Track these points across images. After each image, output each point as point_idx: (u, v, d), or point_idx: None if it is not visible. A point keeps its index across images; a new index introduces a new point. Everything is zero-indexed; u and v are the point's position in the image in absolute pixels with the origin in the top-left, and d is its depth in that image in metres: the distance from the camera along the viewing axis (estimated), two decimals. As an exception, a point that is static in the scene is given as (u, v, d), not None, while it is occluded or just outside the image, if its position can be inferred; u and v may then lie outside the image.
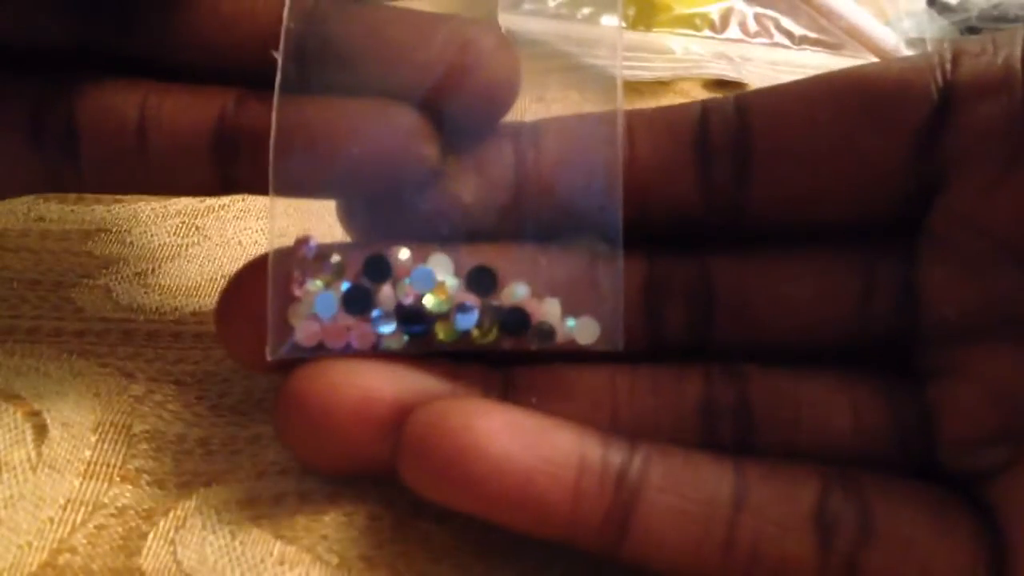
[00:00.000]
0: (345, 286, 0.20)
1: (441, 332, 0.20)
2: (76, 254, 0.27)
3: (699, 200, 0.21)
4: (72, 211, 0.28)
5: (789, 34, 0.39)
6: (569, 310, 0.20)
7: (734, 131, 0.21)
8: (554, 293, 0.20)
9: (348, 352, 0.20)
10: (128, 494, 0.21)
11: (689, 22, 0.38)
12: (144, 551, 0.20)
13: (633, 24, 0.37)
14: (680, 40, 0.38)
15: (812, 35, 0.39)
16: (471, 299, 0.20)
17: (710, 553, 0.18)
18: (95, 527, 0.20)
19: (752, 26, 0.39)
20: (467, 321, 0.20)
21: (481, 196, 0.21)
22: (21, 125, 0.21)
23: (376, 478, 0.21)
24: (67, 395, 0.23)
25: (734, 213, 0.21)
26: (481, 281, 0.20)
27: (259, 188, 0.21)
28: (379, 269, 0.20)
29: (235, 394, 0.23)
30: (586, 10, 0.34)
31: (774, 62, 0.38)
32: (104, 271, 0.26)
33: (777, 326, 0.21)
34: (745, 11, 0.39)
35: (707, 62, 0.37)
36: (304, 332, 0.20)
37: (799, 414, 0.20)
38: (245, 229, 0.28)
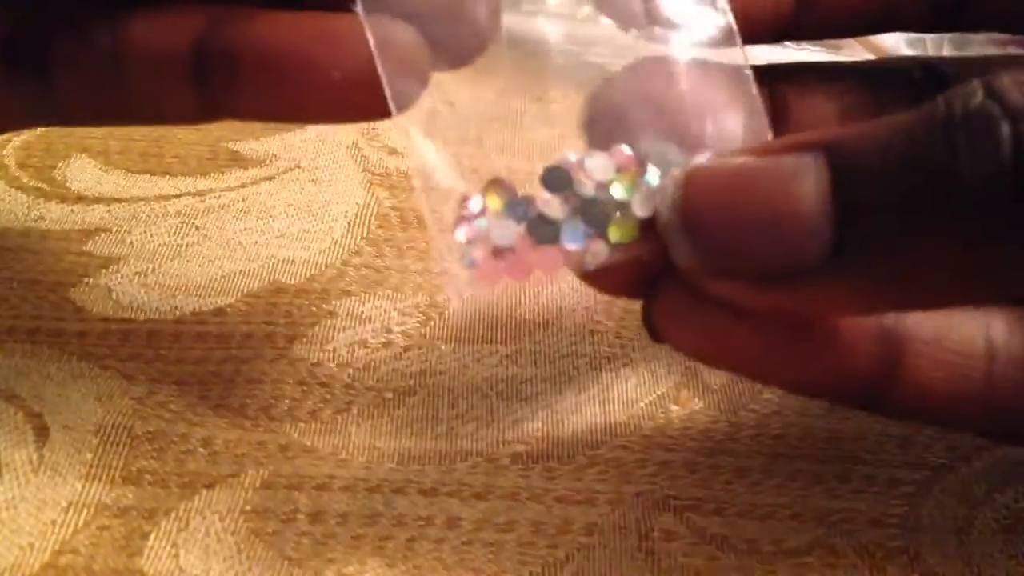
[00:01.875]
0: (508, 207, 0.19)
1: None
2: (76, 254, 0.27)
3: None
4: (72, 211, 0.28)
5: (788, 33, 0.39)
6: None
7: None
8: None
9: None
10: (131, 495, 0.21)
11: (688, 20, 0.38)
12: (146, 552, 0.20)
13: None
14: (679, 38, 0.38)
15: (811, 34, 0.39)
16: (655, 173, 0.19)
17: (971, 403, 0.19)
18: (98, 528, 0.20)
19: (751, 25, 0.39)
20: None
21: None
22: None
23: (387, 491, 0.21)
24: (68, 397, 0.23)
25: None
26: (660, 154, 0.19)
27: (241, 112, 0.21)
28: (559, 178, 0.19)
29: (238, 396, 0.23)
30: (586, 10, 0.34)
31: (773, 61, 0.38)
32: (104, 271, 0.26)
33: None
34: (744, 9, 0.39)
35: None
36: (486, 268, 0.19)
37: None
38: (245, 229, 0.28)
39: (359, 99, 0.19)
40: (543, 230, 0.19)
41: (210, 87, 0.20)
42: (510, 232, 0.19)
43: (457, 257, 0.19)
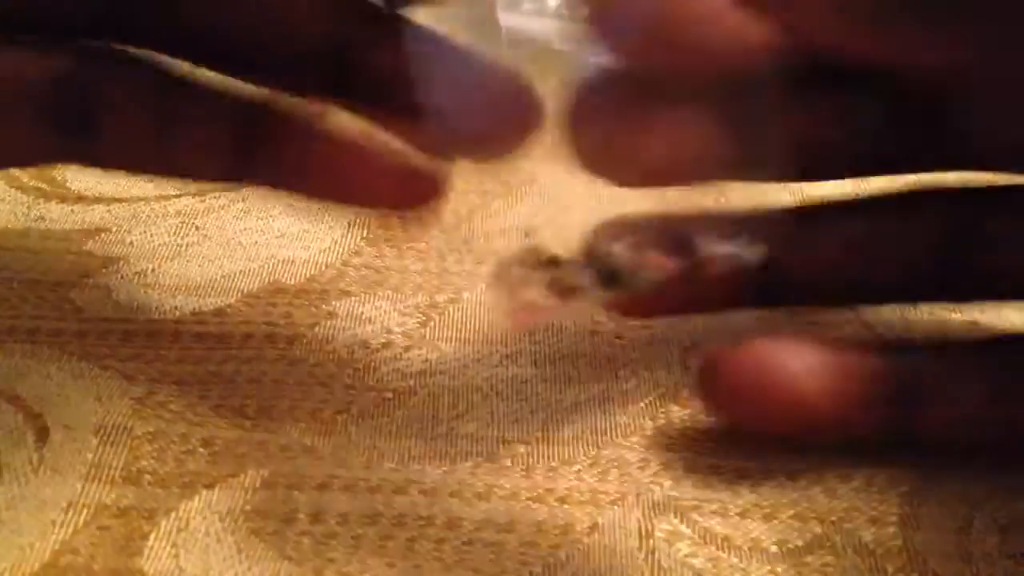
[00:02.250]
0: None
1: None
2: (76, 254, 0.27)
3: None
4: (72, 211, 0.28)
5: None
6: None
7: None
8: None
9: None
10: (131, 495, 0.21)
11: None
12: (145, 552, 0.20)
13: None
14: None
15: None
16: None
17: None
18: (98, 528, 0.20)
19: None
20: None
21: None
22: (40, 97, 0.21)
23: (387, 491, 0.21)
24: (68, 397, 0.23)
25: None
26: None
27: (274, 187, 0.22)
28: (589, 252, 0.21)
29: (238, 396, 0.23)
30: (586, 10, 0.34)
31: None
32: (104, 271, 0.26)
33: None
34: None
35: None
36: (516, 310, 0.21)
37: None
38: (245, 229, 0.28)
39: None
40: (568, 291, 0.21)
41: (247, 158, 0.22)
42: (537, 286, 0.20)
43: (496, 293, 0.21)
